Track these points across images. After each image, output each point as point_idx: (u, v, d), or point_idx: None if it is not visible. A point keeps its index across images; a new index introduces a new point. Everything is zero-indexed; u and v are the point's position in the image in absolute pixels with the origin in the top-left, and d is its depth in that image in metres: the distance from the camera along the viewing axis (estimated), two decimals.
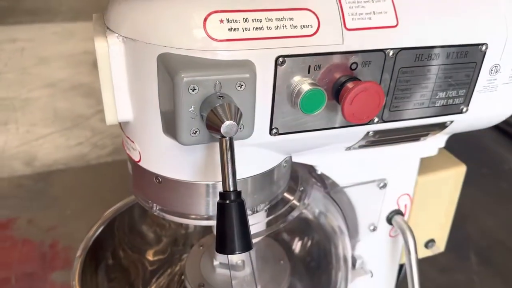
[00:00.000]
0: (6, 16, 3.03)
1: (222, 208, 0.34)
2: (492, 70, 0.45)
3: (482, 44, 0.43)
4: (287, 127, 0.40)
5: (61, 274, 1.21)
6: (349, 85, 0.38)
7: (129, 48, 0.37)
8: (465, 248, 1.36)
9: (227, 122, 0.33)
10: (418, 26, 0.41)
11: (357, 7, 0.39)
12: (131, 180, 0.48)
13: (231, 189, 0.34)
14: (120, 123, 0.42)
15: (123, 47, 0.37)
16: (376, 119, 0.43)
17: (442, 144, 0.55)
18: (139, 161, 0.43)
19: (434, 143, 0.54)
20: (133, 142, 0.42)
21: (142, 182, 0.45)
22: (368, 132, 0.45)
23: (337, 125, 0.42)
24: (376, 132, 0.45)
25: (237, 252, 0.34)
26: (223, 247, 0.34)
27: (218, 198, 0.36)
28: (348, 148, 0.48)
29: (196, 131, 0.36)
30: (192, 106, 0.35)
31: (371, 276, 0.60)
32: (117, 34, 0.37)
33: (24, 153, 1.71)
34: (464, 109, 0.47)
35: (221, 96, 0.34)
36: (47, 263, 1.24)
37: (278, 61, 0.37)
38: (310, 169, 0.53)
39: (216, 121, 0.33)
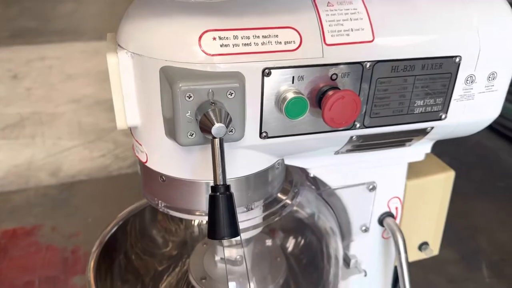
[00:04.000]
0: (35, 36, 3.20)
1: (213, 200, 0.39)
2: (467, 80, 0.49)
3: (456, 56, 0.48)
4: (275, 131, 0.45)
5: (81, 278, 1.27)
6: (330, 93, 0.43)
7: (136, 62, 0.43)
8: (477, 260, 1.37)
9: (217, 125, 0.38)
10: (393, 40, 0.45)
11: (336, 25, 0.44)
12: (141, 181, 0.53)
13: (221, 183, 0.39)
14: (129, 128, 0.48)
15: (131, 61, 0.43)
16: (358, 125, 0.47)
17: (428, 150, 0.58)
18: (146, 162, 0.48)
19: (420, 149, 0.58)
20: (140, 145, 0.48)
21: (149, 181, 0.50)
22: (351, 137, 0.49)
23: (321, 130, 0.46)
24: (359, 137, 0.49)
25: (225, 238, 0.38)
26: (213, 233, 0.39)
27: None
28: (337, 152, 0.53)
29: (193, 134, 0.41)
30: (189, 111, 0.40)
31: (365, 275, 0.63)
32: (126, 50, 0.43)
33: (50, 165, 1.80)
34: (443, 116, 0.50)
35: (213, 103, 0.40)
36: (69, 268, 1.31)
37: (265, 72, 0.42)
38: (306, 172, 0.57)
39: (208, 124, 0.38)
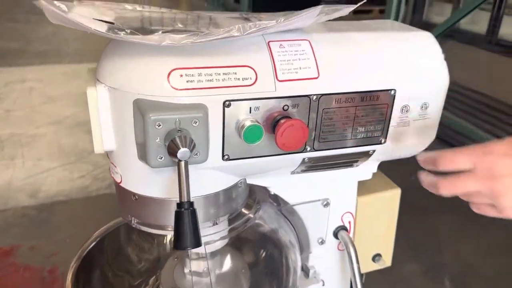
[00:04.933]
0: (16, 58, 3.22)
1: (178, 215, 0.45)
2: (402, 109, 0.57)
3: (391, 90, 0.55)
4: (236, 154, 0.52)
5: None
6: (281, 121, 0.50)
7: (112, 95, 0.49)
8: (439, 272, 1.45)
9: (182, 149, 0.45)
10: (335, 77, 0.53)
11: (287, 64, 0.51)
12: (117, 200, 0.59)
13: (185, 200, 0.45)
14: (106, 152, 0.54)
15: (108, 94, 0.49)
16: (308, 148, 0.54)
17: (375, 170, 0.66)
18: (120, 182, 0.54)
19: (367, 169, 0.65)
20: (116, 167, 0.54)
21: (123, 200, 0.56)
22: (304, 159, 0.56)
23: (276, 153, 0.53)
24: (311, 159, 0.56)
25: (189, 248, 0.44)
26: (179, 244, 0.45)
27: None
28: (293, 172, 0.59)
29: (162, 157, 0.47)
30: (158, 138, 0.46)
31: (323, 285, 0.69)
32: (104, 84, 0.49)
33: (29, 185, 1.82)
34: (383, 141, 0.58)
35: (180, 130, 0.46)
36: (47, 287, 1.33)
37: (226, 104, 0.49)
38: (267, 190, 0.64)
39: (174, 148, 0.45)
